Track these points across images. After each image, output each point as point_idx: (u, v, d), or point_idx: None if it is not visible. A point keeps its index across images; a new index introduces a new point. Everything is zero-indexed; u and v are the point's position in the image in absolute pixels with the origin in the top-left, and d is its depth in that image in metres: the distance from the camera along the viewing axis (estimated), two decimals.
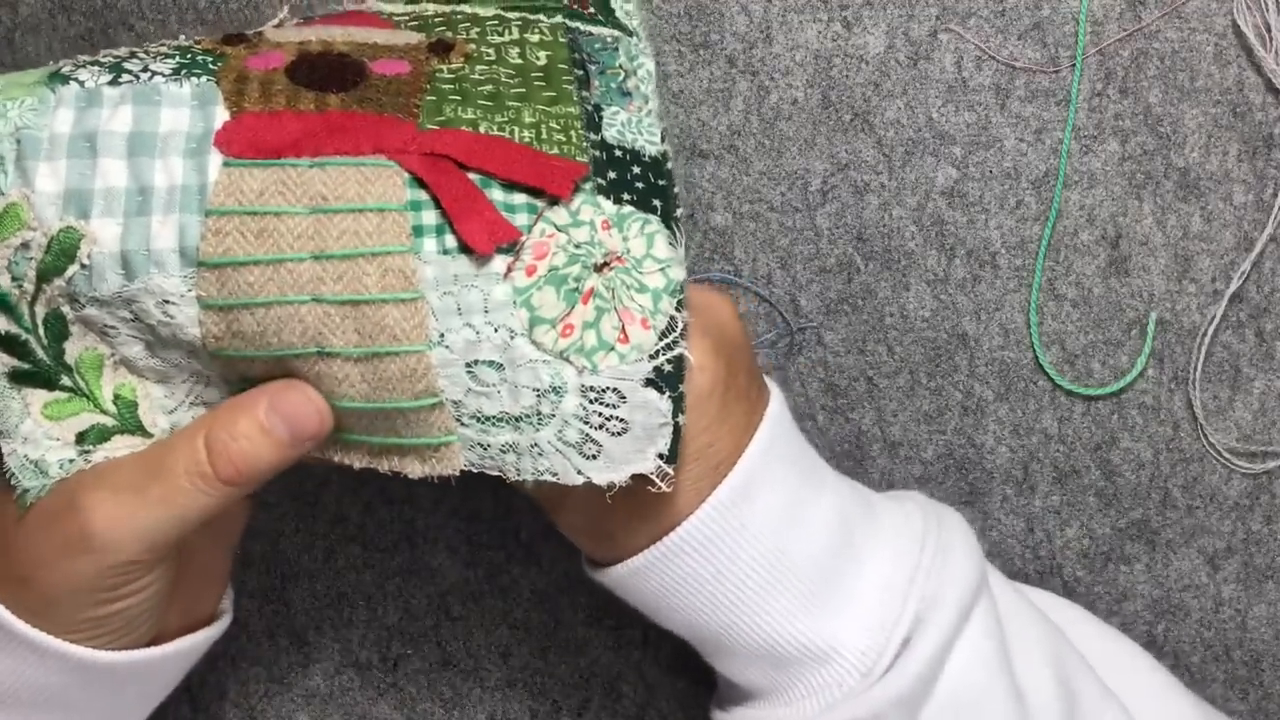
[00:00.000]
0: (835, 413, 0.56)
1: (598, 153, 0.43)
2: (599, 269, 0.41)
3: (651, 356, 0.41)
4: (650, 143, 0.44)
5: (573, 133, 0.43)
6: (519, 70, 0.44)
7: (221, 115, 0.41)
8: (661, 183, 0.44)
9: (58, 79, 0.41)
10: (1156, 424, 0.56)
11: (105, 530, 0.40)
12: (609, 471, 0.42)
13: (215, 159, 0.40)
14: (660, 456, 0.42)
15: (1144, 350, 0.56)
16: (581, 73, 0.45)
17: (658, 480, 0.42)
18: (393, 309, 0.40)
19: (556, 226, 0.41)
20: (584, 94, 0.44)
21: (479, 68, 0.44)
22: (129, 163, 0.40)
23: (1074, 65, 0.55)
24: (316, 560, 0.57)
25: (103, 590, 0.41)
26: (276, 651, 0.57)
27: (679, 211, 0.44)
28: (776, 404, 0.46)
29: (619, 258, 0.42)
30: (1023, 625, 0.48)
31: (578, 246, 0.41)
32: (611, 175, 0.43)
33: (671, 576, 0.44)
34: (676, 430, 0.42)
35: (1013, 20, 0.54)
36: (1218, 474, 0.56)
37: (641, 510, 0.43)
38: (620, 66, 0.46)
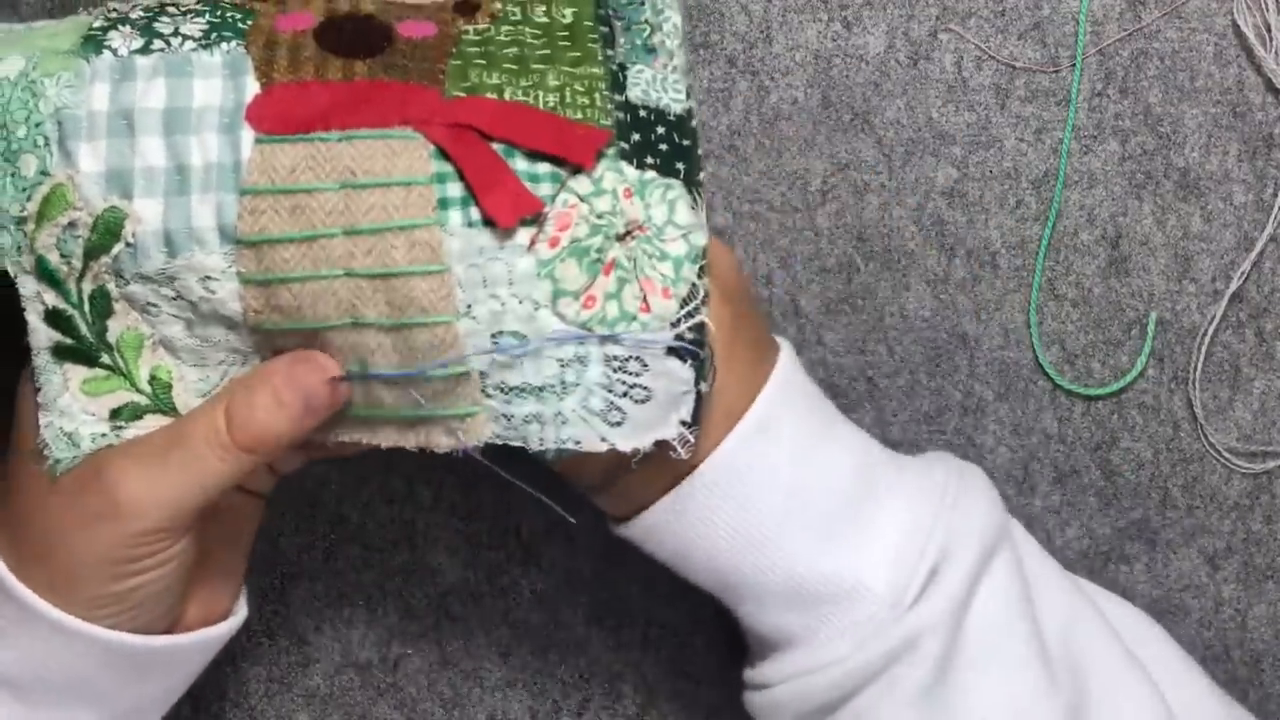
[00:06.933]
0: None
1: (622, 114, 0.43)
2: (621, 239, 0.42)
3: (673, 324, 0.42)
4: (675, 100, 0.44)
5: (597, 95, 0.43)
6: (544, 29, 0.45)
7: (252, 86, 0.42)
8: (686, 143, 0.44)
9: (91, 46, 0.42)
10: (1156, 424, 0.56)
11: (129, 498, 0.41)
12: (633, 438, 0.43)
13: (248, 135, 0.41)
14: (683, 423, 0.43)
15: (1144, 350, 0.56)
16: (607, 29, 0.45)
17: (678, 446, 0.43)
18: (420, 281, 0.41)
19: (579, 196, 0.42)
20: (609, 53, 0.45)
21: (504, 28, 0.44)
22: (166, 141, 0.41)
23: (1074, 65, 0.55)
24: (316, 560, 0.57)
25: (125, 561, 0.42)
26: (276, 651, 0.57)
27: (702, 175, 0.44)
28: (787, 354, 0.47)
29: (641, 226, 0.42)
30: (1048, 582, 0.49)
31: (600, 216, 0.42)
32: (635, 137, 0.43)
33: (693, 520, 0.45)
34: (699, 397, 0.43)
35: (1013, 20, 0.54)
36: (1218, 474, 0.56)
37: (657, 462, 0.44)
38: (646, 21, 0.46)
